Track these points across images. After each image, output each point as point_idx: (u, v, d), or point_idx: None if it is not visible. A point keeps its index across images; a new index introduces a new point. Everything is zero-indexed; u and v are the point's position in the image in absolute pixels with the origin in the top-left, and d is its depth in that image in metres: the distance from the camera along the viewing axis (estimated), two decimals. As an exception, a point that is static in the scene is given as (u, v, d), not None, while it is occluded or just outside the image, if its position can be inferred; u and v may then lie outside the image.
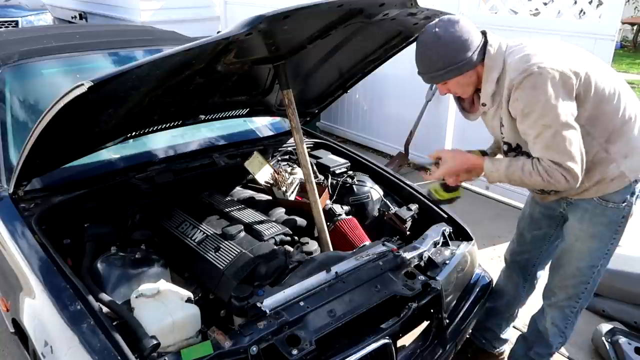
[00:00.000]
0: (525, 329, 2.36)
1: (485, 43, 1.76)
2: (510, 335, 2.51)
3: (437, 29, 1.71)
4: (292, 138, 2.32)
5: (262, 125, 2.96)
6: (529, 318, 2.33)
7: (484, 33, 1.79)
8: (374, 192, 2.53)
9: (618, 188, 1.83)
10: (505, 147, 1.90)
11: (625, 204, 1.86)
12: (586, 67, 1.71)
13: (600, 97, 1.73)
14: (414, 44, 1.85)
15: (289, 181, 2.47)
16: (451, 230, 2.28)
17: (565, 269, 2.04)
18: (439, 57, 1.72)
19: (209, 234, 2.02)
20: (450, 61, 1.72)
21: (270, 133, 2.92)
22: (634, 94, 1.84)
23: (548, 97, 1.64)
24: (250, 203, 2.33)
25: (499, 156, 2.02)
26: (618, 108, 1.77)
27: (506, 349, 2.53)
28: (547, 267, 2.20)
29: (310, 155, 2.72)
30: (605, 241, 1.93)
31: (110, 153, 2.33)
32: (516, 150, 1.86)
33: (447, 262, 2.12)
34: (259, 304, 1.65)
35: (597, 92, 1.72)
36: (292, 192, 2.46)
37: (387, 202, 2.55)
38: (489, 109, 1.83)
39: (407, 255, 2.01)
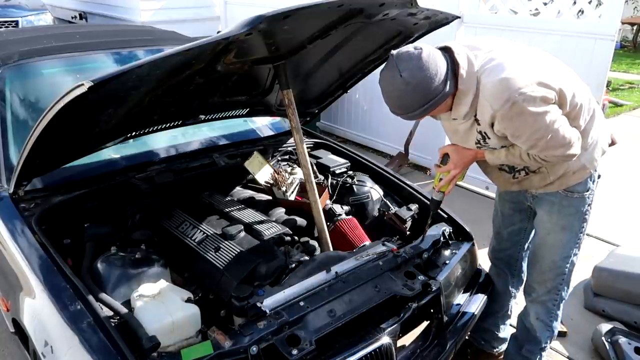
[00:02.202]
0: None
1: (453, 63, 1.68)
2: (508, 334, 2.51)
3: (402, 74, 1.61)
4: (292, 138, 2.32)
5: (262, 125, 2.96)
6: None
7: (446, 49, 1.70)
8: (374, 192, 2.54)
9: (580, 180, 1.90)
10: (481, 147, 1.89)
11: (589, 192, 1.94)
12: (557, 78, 1.70)
13: (572, 108, 1.76)
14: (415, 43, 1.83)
15: (289, 181, 2.47)
16: (451, 230, 2.28)
17: (541, 264, 2.09)
18: (413, 100, 1.65)
19: (209, 234, 2.02)
20: (425, 100, 1.65)
21: (270, 133, 2.92)
22: (589, 89, 1.88)
23: (535, 117, 1.64)
24: (250, 203, 2.33)
25: None
26: (583, 111, 1.81)
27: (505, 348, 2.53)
28: None
29: (310, 155, 2.72)
30: (576, 231, 1.99)
31: (110, 153, 2.33)
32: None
33: (447, 262, 2.13)
34: (259, 304, 1.65)
35: (570, 104, 1.75)
36: (292, 192, 2.46)
37: (387, 202, 2.55)
38: (460, 122, 1.81)
39: (407, 255, 2.02)
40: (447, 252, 2.19)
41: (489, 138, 1.79)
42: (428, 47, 1.66)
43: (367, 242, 2.20)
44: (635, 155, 5.14)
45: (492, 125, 1.72)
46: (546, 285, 2.11)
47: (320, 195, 2.26)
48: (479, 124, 1.76)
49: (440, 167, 2.01)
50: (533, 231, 2.19)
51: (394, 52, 1.67)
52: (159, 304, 1.60)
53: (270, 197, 2.45)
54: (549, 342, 2.23)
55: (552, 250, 2.04)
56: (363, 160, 2.79)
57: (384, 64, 1.72)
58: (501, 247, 2.34)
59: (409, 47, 1.65)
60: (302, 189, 2.43)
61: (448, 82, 1.65)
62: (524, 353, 2.27)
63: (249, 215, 2.16)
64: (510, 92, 1.61)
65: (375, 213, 2.51)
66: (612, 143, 2.02)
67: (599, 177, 1.96)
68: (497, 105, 1.64)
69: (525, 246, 2.29)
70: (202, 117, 2.39)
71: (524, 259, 2.34)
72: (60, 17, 8.27)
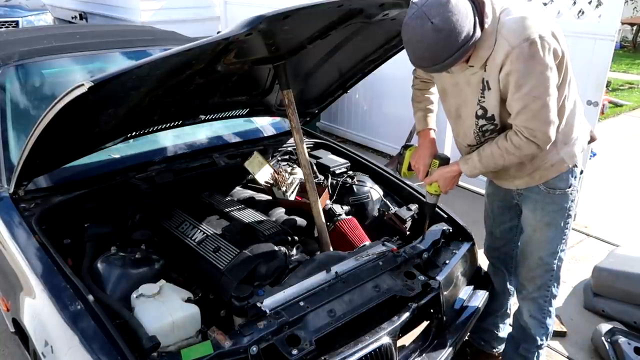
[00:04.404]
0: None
1: (475, 4, 1.61)
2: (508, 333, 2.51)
3: (433, 21, 1.53)
4: (292, 138, 2.32)
5: (262, 125, 2.97)
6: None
7: None
8: (374, 192, 2.54)
9: (557, 173, 1.90)
10: (479, 112, 1.83)
11: (571, 189, 1.94)
12: (564, 44, 1.71)
13: (565, 80, 1.75)
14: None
15: (289, 181, 2.47)
16: (451, 230, 2.28)
17: (529, 261, 2.11)
18: (445, 48, 1.57)
19: (209, 234, 2.02)
20: (456, 48, 1.58)
21: (270, 133, 2.93)
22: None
23: (543, 68, 1.62)
24: (250, 203, 2.33)
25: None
26: (568, 95, 1.80)
27: (505, 348, 2.54)
28: None
29: (310, 155, 2.72)
30: (561, 227, 2.00)
31: (111, 153, 2.33)
32: (489, 120, 1.82)
33: (447, 262, 2.13)
34: (259, 304, 1.65)
35: (565, 74, 1.74)
36: (292, 192, 2.46)
37: (387, 202, 2.55)
38: (474, 71, 1.75)
39: (407, 255, 2.02)
40: (446, 252, 2.19)
41: (489, 89, 1.73)
42: None
43: (367, 242, 2.20)
44: (635, 155, 5.14)
45: (500, 70, 1.66)
46: (535, 282, 2.12)
47: (320, 195, 2.27)
48: (485, 71, 1.71)
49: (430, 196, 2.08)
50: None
51: (417, 0, 1.57)
52: (159, 304, 1.60)
53: (270, 197, 2.45)
54: (545, 339, 2.23)
55: (539, 247, 2.05)
56: (363, 160, 2.79)
57: (384, 64, 1.70)
58: (495, 246, 2.35)
59: None
60: (302, 189, 2.43)
61: (477, 24, 1.60)
62: (521, 352, 2.27)
63: (249, 215, 2.16)
64: (531, 30, 1.59)
65: (375, 213, 2.51)
66: (592, 139, 2.04)
67: (581, 172, 1.97)
68: (515, 41, 1.59)
69: (518, 244, 2.29)
70: (202, 117, 2.39)
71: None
72: (61, 17, 8.27)
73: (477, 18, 1.60)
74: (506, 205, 2.20)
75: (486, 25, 1.63)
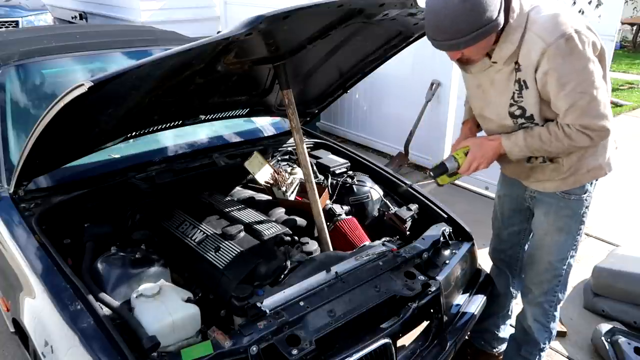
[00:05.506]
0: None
1: None
2: (508, 334, 2.51)
3: None
4: (292, 138, 2.32)
5: (262, 125, 2.97)
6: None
7: None
8: (374, 192, 2.54)
9: (592, 179, 1.86)
10: (517, 112, 1.76)
11: (587, 194, 1.91)
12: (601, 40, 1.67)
13: (605, 77, 1.70)
14: (415, 43, 1.82)
15: (289, 181, 2.47)
16: (451, 230, 2.28)
17: (538, 265, 2.08)
18: (467, 22, 1.51)
19: (209, 234, 2.02)
20: (477, 25, 1.52)
21: (270, 133, 2.92)
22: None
23: (585, 62, 1.57)
24: (250, 203, 2.33)
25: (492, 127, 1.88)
26: (608, 92, 1.74)
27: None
28: None
29: (310, 155, 2.72)
30: (573, 233, 1.97)
31: (111, 153, 2.33)
32: (528, 119, 1.76)
33: (447, 262, 2.13)
34: (259, 304, 1.65)
35: (605, 72, 1.69)
36: (292, 192, 2.46)
37: (387, 202, 2.55)
38: (498, 69, 1.71)
39: (407, 255, 2.02)
40: (447, 252, 2.19)
41: (526, 88, 1.67)
42: None
43: (367, 242, 2.20)
44: (635, 156, 5.14)
45: (536, 69, 1.61)
46: (542, 286, 2.10)
47: (320, 195, 2.27)
48: (519, 70, 1.66)
49: (455, 171, 1.89)
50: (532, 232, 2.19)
51: None
52: (159, 304, 1.60)
53: (270, 197, 2.45)
54: (547, 342, 2.23)
55: (548, 252, 2.02)
56: (363, 160, 2.79)
57: (384, 64, 1.68)
58: (501, 248, 2.33)
59: None
60: (302, 189, 2.43)
61: (501, 11, 1.55)
62: (522, 353, 2.27)
63: (249, 215, 2.16)
64: (565, 26, 1.55)
65: (375, 213, 2.51)
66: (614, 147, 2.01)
67: (596, 179, 1.93)
68: (551, 38, 1.55)
69: (525, 247, 2.29)
70: (202, 117, 2.39)
71: (524, 260, 2.33)
72: (61, 17, 8.27)
73: (503, 6, 1.56)
74: (517, 207, 2.16)
75: (511, 20, 1.59)
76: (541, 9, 1.62)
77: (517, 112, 1.77)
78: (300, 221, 2.25)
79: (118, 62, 2.77)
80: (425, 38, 2.30)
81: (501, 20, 1.57)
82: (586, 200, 1.92)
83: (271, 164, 2.57)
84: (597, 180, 1.93)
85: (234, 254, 1.88)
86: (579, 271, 3.22)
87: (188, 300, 1.66)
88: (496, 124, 1.87)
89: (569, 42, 1.56)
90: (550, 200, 1.94)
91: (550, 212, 1.96)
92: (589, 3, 3.58)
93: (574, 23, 1.58)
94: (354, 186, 2.53)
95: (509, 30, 1.62)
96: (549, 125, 1.72)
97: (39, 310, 1.63)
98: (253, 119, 2.91)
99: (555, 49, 1.56)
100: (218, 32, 1.65)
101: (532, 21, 1.61)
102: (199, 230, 2.04)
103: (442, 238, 2.21)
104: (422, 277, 1.97)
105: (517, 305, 2.48)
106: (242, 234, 2.01)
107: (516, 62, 1.67)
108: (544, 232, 2.01)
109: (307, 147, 2.60)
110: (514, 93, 1.73)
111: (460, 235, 2.32)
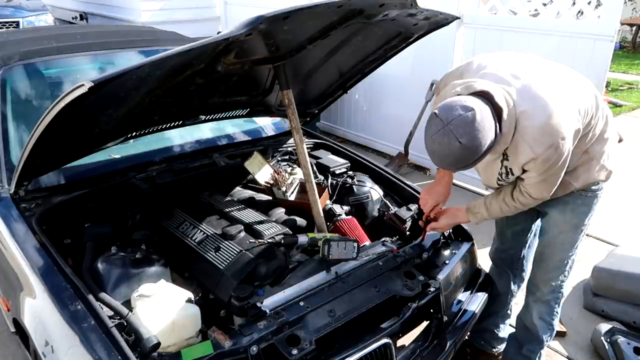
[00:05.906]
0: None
1: (494, 107, 1.61)
2: (508, 333, 2.51)
3: (461, 141, 1.54)
4: (292, 138, 2.32)
5: (262, 125, 2.97)
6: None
7: (484, 94, 1.63)
8: (374, 192, 2.54)
9: (603, 178, 1.92)
10: (503, 175, 1.88)
11: (601, 191, 1.97)
12: (587, 101, 1.75)
13: (593, 125, 1.80)
14: (415, 44, 1.82)
15: (289, 181, 2.47)
16: (451, 230, 2.28)
17: (548, 263, 2.10)
18: (471, 158, 1.61)
19: (209, 234, 2.02)
20: (479, 155, 1.61)
21: (270, 133, 2.93)
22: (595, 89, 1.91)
23: (566, 158, 1.70)
24: (250, 203, 2.33)
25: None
26: (599, 122, 1.85)
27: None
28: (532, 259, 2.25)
29: (310, 156, 2.72)
30: (583, 228, 2.02)
31: (111, 153, 2.34)
32: (512, 176, 1.86)
33: (447, 262, 2.13)
34: (259, 304, 1.65)
35: (591, 124, 1.79)
36: (292, 192, 2.47)
37: (387, 202, 2.55)
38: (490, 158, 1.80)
39: (407, 255, 2.02)
40: (446, 252, 2.19)
41: (512, 175, 1.81)
42: (476, 103, 1.57)
43: (367, 242, 2.21)
44: (635, 156, 5.14)
45: (522, 167, 1.73)
46: (551, 284, 2.12)
47: (320, 196, 2.27)
48: (506, 160, 1.77)
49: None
50: (537, 230, 2.19)
51: (441, 115, 1.57)
52: (159, 304, 1.60)
53: (270, 197, 2.45)
54: (549, 340, 2.24)
55: (562, 249, 2.04)
56: (363, 161, 2.80)
57: (384, 64, 1.68)
58: (504, 247, 2.33)
59: (459, 110, 1.55)
60: (302, 189, 2.44)
61: (497, 130, 1.62)
62: (524, 352, 2.27)
63: (249, 215, 2.16)
64: (554, 138, 1.63)
65: (375, 213, 2.51)
66: (620, 140, 2.04)
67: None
68: (540, 149, 1.64)
69: (528, 245, 2.29)
70: (203, 117, 2.39)
71: (526, 259, 2.33)
72: (61, 17, 8.28)
73: (497, 124, 1.62)
74: None
75: (504, 129, 1.64)
76: (530, 116, 1.64)
77: (503, 175, 1.88)
78: (300, 221, 2.25)
79: (118, 62, 2.77)
80: (425, 38, 2.32)
81: (498, 136, 1.63)
82: (599, 193, 1.96)
83: (271, 164, 2.57)
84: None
85: (234, 254, 1.88)
86: (579, 271, 3.22)
87: (188, 300, 1.66)
88: (489, 174, 1.95)
89: (557, 151, 1.66)
90: (567, 197, 1.95)
91: (566, 209, 1.98)
92: (589, 3, 3.59)
93: (564, 131, 1.64)
94: (354, 186, 2.53)
95: (499, 137, 1.65)
96: (505, 198, 1.90)
97: (39, 310, 1.63)
98: (253, 119, 2.91)
99: (544, 158, 1.66)
100: (218, 33, 1.66)
101: (522, 128, 1.65)
102: (199, 231, 2.05)
103: (442, 238, 2.21)
104: (422, 277, 1.97)
105: (516, 305, 2.49)
106: (242, 234, 2.01)
107: (504, 154, 1.77)
108: (559, 229, 2.02)
109: (307, 147, 2.61)
110: (500, 174, 1.85)
111: (460, 235, 2.32)
